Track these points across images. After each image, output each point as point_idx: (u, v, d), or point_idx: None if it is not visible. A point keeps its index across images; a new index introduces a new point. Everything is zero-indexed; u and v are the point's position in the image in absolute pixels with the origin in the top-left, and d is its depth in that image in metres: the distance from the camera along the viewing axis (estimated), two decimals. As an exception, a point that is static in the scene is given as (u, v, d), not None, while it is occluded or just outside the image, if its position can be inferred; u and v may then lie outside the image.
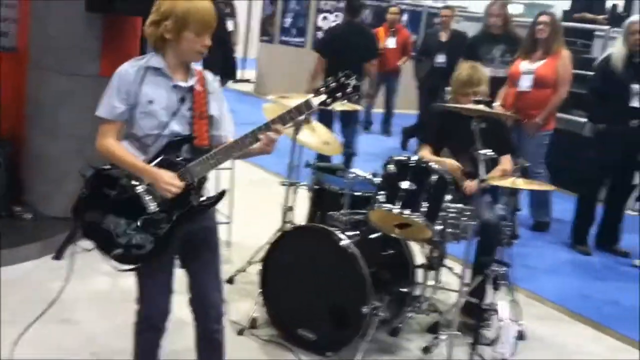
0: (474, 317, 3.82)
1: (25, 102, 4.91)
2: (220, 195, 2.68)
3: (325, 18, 12.70)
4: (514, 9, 22.44)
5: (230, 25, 10.39)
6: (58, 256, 4.41)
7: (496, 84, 6.05)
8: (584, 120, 6.82)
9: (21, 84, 4.90)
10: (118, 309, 3.74)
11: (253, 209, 5.38)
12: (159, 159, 2.55)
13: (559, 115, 7.36)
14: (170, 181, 2.50)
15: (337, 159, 6.29)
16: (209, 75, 2.71)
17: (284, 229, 4.11)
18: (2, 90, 4.69)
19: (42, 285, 3.98)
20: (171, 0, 2.51)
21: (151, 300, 2.70)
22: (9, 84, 4.85)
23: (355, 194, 3.87)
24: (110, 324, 3.67)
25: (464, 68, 4.28)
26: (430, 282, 4.13)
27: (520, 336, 3.96)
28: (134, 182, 2.57)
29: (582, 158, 5.95)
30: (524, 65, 5.82)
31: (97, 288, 3.94)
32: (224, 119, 2.71)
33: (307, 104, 2.53)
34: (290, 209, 4.20)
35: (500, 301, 3.79)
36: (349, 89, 2.55)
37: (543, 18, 5.80)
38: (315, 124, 4.31)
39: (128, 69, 2.56)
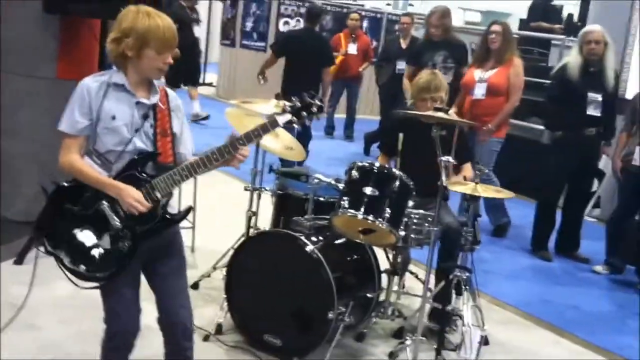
0: (439, 322, 3.85)
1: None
2: (187, 211, 2.69)
3: (286, 23, 12.69)
4: (471, 16, 22.75)
5: (196, 31, 10.32)
6: (19, 261, 4.32)
7: None
8: (541, 127, 6.93)
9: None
10: (81, 315, 3.68)
11: (216, 213, 5.34)
12: (123, 175, 2.53)
13: (517, 122, 7.50)
14: (137, 197, 2.48)
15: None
16: (171, 92, 2.72)
17: (248, 234, 4.09)
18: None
19: (3, 290, 3.89)
20: (132, 18, 2.50)
21: (119, 319, 2.66)
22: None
23: (319, 199, 3.88)
24: (73, 329, 3.62)
25: (423, 74, 4.33)
26: (395, 288, 4.15)
27: (485, 341, 4.00)
28: (98, 198, 2.54)
29: (541, 165, 6.04)
30: (477, 73, 5.90)
31: (59, 293, 3.85)
32: (185, 136, 2.72)
33: (273, 122, 2.58)
34: (254, 213, 4.18)
35: (463, 306, 3.83)
36: (314, 108, 2.62)
37: (495, 28, 5.89)
38: (279, 129, 4.28)
39: (90, 84, 2.54)
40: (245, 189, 4.22)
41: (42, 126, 4.69)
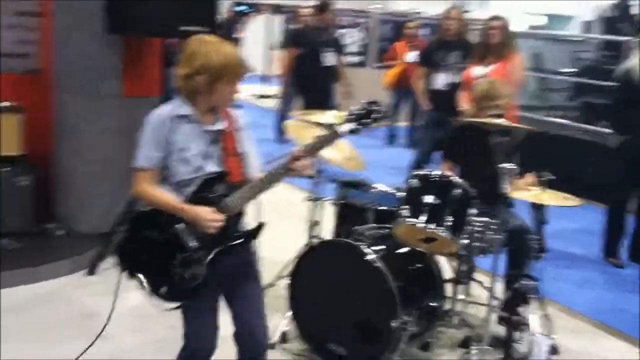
0: (506, 331, 3.80)
1: (52, 123, 4.98)
2: (259, 227, 2.73)
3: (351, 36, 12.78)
4: (538, 20, 22.33)
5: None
6: (91, 272, 4.46)
7: (454, 89, 6.21)
8: (608, 131, 6.77)
9: (46, 104, 4.99)
10: (152, 324, 3.78)
11: (280, 224, 5.38)
12: (195, 197, 2.60)
13: (584, 126, 7.34)
14: (211, 217, 2.55)
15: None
16: (235, 113, 2.76)
17: (310, 243, 4.12)
18: (28, 112, 4.76)
19: (77, 301, 4.03)
20: (205, 55, 2.53)
21: (197, 337, 2.73)
22: (34, 105, 4.94)
23: (381, 208, 3.88)
24: (143, 338, 3.72)
25: (481, 83, 4.28)
26: (461, 297, 4.11)
27: (553, 350, 3.92)
28: (173, 221, 2.61)
29: (609, 169, 5.90)
30: (477, 70, 5.82)
31: (129, 303, 3.96)
32: (250, 154, 2.77)
33: (335, 133, 2.59)
34: (316, 223, 4.21)
35: (531, 315, 3.77)
36: (376, 116, 2.62)
37: (495, 23, 5.81)
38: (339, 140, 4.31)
39: (157, 119, 2.60)
40: (307, 199, 4.26)
41: (109, 142, 4.85)
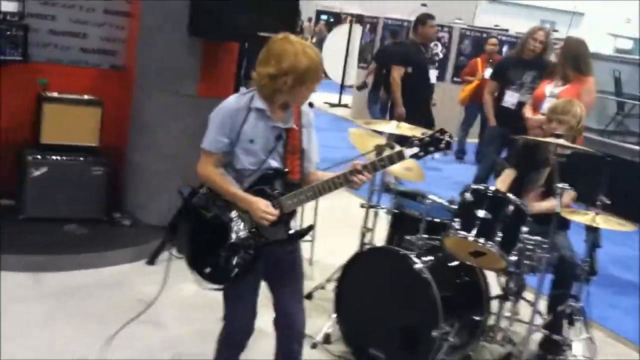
0: (549, 351, 3.80)
1: (129, 117, 5.25)
2: (308, 229, 2.86)
3: (423, 47, 12.79)
4: (623, 43, 21.78)
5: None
6: (151, 261, 4.68)
7: (522, 109, 6.09)
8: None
9: (125, 100, 5.26)
10: (202, 316, 3.95)
11: (335, 228, 5.51)
12: (254, 188, 2.73)
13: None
14: (267, 209, 2.67)
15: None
16: (304, 109, 2.85)
17: (361, 249, 4.22)
18: (107, 105, 5.03)
19: (134, 288, 4.26)
20: (293, 57, 2.62)
21: (236, 320, 2.88)
22: (114, 100, 5.21)
23: (435, 220, 3.95)
24: (194, 328, 3.88)
25: (560, 99, 4.30)
26: (507, 314, 4.13)
27: (595, 374, 3.90)
28: (229, 208, 2.75)
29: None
30: (548, 88, 5.74)
31: (184, 294, 4.16)
32: (311, 150, 2.87)
33: (400, 155, 2.67)
34: (369, 230, 4.30)
35: (575, 337, 3.76)
36: (442, 145, 2.66)
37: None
38: (398, 148, 4.39)
39: (232, 107, 2.73)
40: (362, 206, 4.36)
41: (181, 140, 5.07)
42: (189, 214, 2.86)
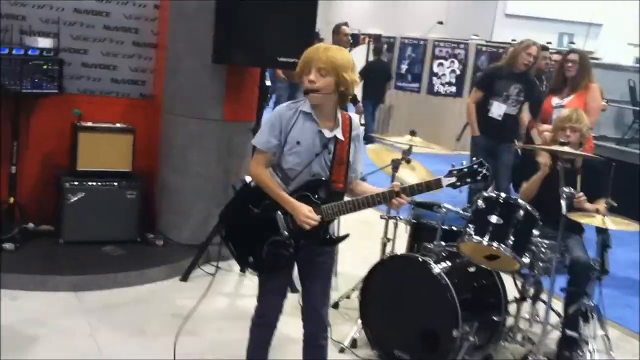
0: (567, 349, 3.98)
1: (159, 143, 5.54)
2: (344, 237, 3.13)
3: (440, 64, 13.04)
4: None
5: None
6: (184, 278, 4.95)
7: (508, 121, 6.38)
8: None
9: (155, 126, 5.55)
10: (234, 325, 4.18)
11: (357, 241, 5.67)
12: (299, 194, 2.98)
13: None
14: (309, 215, 2.92)
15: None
16: (355, 121, 3.09)
17: (382, 258, 4.43)
18: (138, 132, 5.32)
19: (170, 302, 4.51)
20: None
21: (268, 301, 3.15)
22: (144, 126, 5.50)
23: (452, 228, 4.16)
24: (229, 336, 4.10)
25: (568, 109, 4.52)
26: (526, 315, 4.32)
27: (612, 369, 4.07)
28: (275, 208, 2.99)
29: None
30: (554, 101, 5.94)
31: (218, 306, 4.41)
32: (357, 161, 3.10)
33: (437, 183, 2.90)
34: (389, 240, 4.52)
35: (591, 334, 3.94)
36: (479, 177, 2.89)
37: (572, 56, 5.95)
38: (414, 162, 4.62)
39: (284, 111, 3.00)
40: (381, 217, 4.58)
41: (209, 163, 5.35)
42: (238, 208, 3.13)
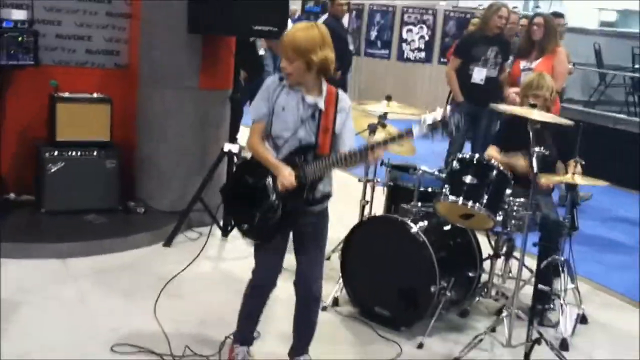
0: (539, 302, 4.17)
1: (135, 112, 5.59)
2: (325, 196, 3.22)
3: (409, 30, 13.14)
4: (606, 16, 21.92)
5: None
6: (168, 243, 5.05)
7: (490, 84, 6.50)
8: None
9: (131, 96, 5.59)
10: (216, 288, 4.32)
11: (336, 205, 5.79)
12: (287, 158, 3.10)
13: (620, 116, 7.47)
14: (287, 177, 3.03)
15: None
16: (342, 95, 3.19)
17: (361, 220, 4.57)
18: (115, 102, 5.36)
19: (154, 267, 4.62)
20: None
21: (262, 272, 3.27)
22: (121, 96, 5.53)
23: (427, 190, 4.31)
24: (213, 298, 4.23)
25: (530, 75, 4.64)
26: (500, 272, 4.50)
27: (582, 320, 4.27)
28: (265, 174, 3.12)
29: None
30: (522, 64, 6.09)
31: (201, 270, 4.52)
32: (345, 136, 3.17)
33: (410, 133, 2.98)
34: (367, 203, 4.65)
35: (561, 287, 4.13)
36: (451, 127, 2.94)
37: (537, 20, 6.08)
38: (389, 126, 4.74)
39: (271, 82, 3.15)
40: (359, 181, 4.71)
41: (186, 130, 5.41)
42: (238, 178, 3.31)
